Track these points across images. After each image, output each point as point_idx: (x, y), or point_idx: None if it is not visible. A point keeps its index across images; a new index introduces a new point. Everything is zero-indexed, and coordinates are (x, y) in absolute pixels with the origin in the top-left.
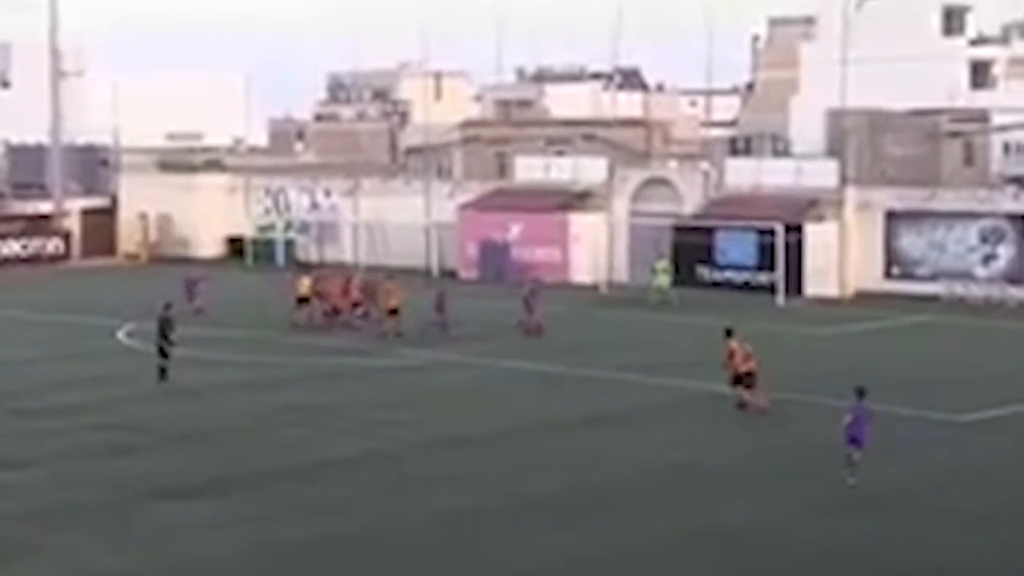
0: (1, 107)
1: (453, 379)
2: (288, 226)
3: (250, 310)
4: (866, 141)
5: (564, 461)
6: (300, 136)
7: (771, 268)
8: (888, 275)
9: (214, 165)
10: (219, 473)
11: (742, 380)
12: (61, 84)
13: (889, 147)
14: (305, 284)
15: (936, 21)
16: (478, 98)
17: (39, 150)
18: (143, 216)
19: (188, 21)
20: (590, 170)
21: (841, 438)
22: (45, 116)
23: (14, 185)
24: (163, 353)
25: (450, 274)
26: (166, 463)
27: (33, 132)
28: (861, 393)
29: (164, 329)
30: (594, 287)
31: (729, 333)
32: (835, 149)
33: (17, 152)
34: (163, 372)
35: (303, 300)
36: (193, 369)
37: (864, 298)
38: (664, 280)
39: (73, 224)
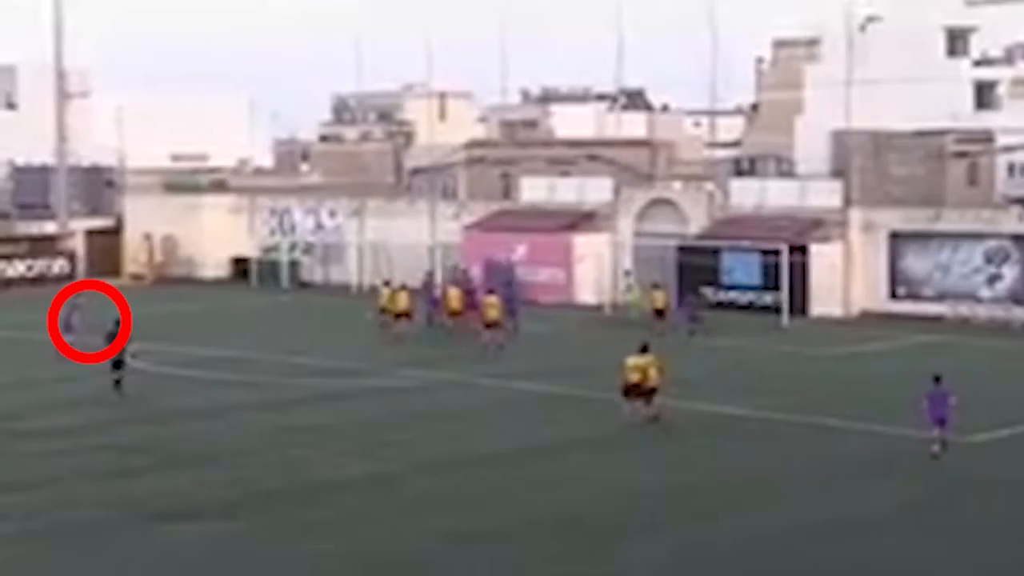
0: (7, 128)
1: (454, 400)
2: (293, 247)
3: (252, 331)
4: (870, 161)
5: (566, 482)
6: (305, 157)
7: (775, 288)
8: (893, 296)
9: (219, 186)
10: (221, 494)
11: (632, 392)
12: (66, 105)
13: (894, 168)
14: (402, 297)
15: (940, 42)
16: (483, 119)
17: (44, 171)
18: (148, 237)
19: (193, 43)
20: (595, 191)
21: (922, 423)
22: (50, 137)
23: (19, 206)
24: (119, 364)
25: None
26: (169, 484)
27: (38, 153)
28: (938, 379)
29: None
30: (598, 307)
31: (644, 349)
32: (839, 169)
33: (22, 173)
34: (118, 383)
35: (401, 315)
36: (194, 390)
37: (869, 318)
38: (636, 295)
39: (78, 245)
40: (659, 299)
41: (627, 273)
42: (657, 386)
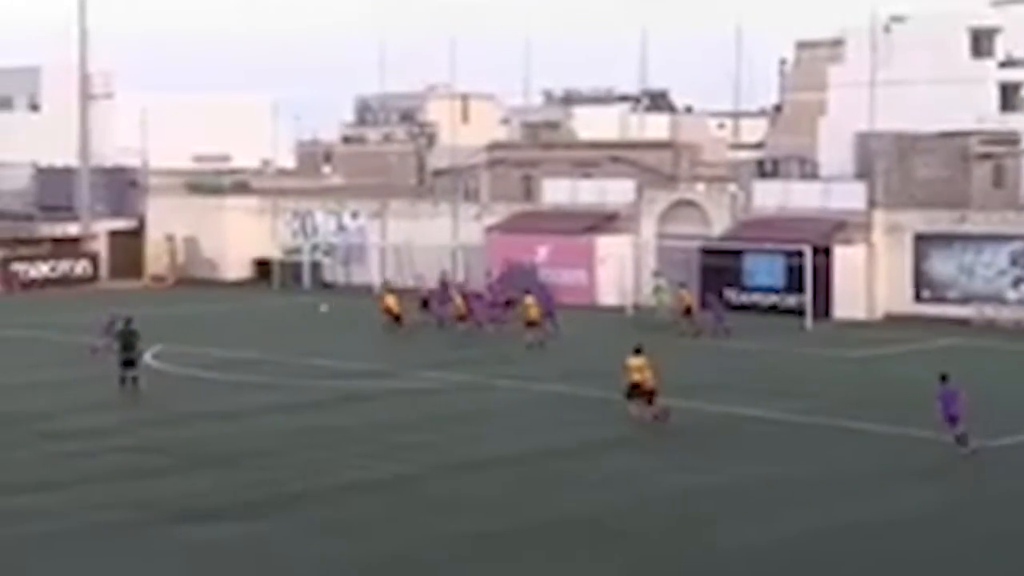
0: (31, 130)
1: (473, 401)
2: (315, 248)
3: (274, 333)
4: (895, 163)
5: (588, 484)
6: (327, 158)
7: (799, 291)
8: (918, 298)
9: (242, 187)
10: (246, 496)
11: (637, 392)
12: (90, 107)
13: (918, 169)
14: (389, 299)
15: (965, 43)
16: (505, 121)
17: (67, 172)
18: (170, 238)
19: (217, 44)
20: (617, 192)
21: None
22: (74, 138)
23: (43, 207)
24: (131, 363)
25: (476, 296)
26: (194, 485)
27: (62, 154)
28: (944, 378)
29: (131, 342)
30: (620, 309)
31: (638, 351)
32: (863, 171)
33: (46, 174)
34: (135, 380)
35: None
36: (216, 392)
37: (893, 321)
38: (664, 297)
39: (101, 246)
40: (687, 297)
41: (657, 274)
42: (655, 388)
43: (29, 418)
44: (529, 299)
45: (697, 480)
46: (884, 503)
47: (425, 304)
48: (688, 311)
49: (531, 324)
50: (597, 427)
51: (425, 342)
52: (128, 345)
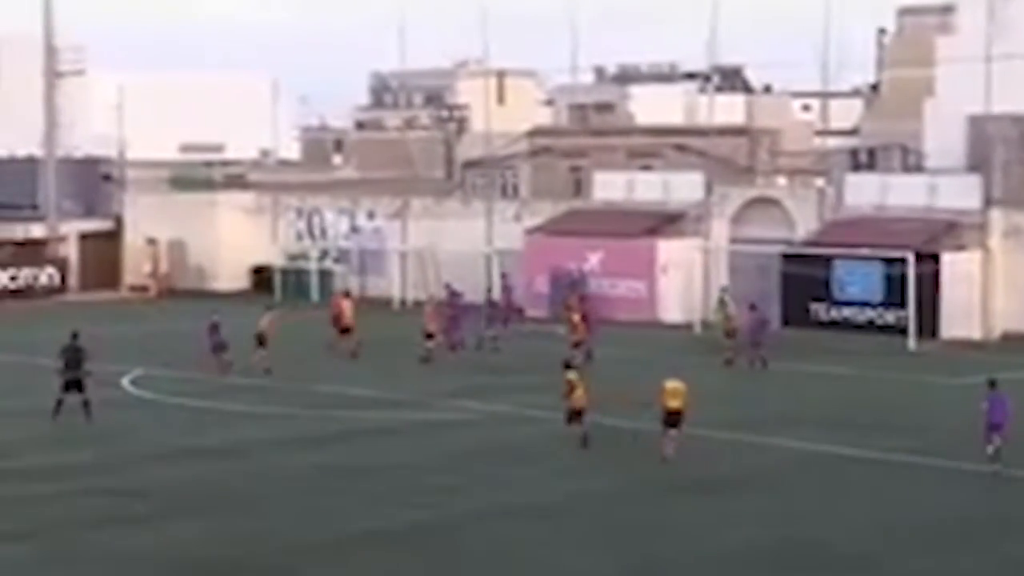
0: None
1: (510, 436)
2: (324, 254)
3: (279, 354)
4: (1016, 153)
5: (651, 535)
6: (338, 147)
7: (900, 305)
8: None
9: (236, 182)
10: (239, 549)
11: (578, 415)
12: (57, 86)
13: None
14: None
15: None
16: (549, 102)
17: (31, 163)
18: (152, 242)
19: (206, 14)
20: (683, 188)
21: (982, 434)
22: (38, 123)
23: (1, 205)
24: (76, 385)
25: (516, 310)
26: (179, 536)
27: (24, 142)
28: (993, 384)
29: (76, 359)
30: (687, 327)
31: (568, 366)
32: (978, 163)
33: (5, 166)
34: (86, 406)
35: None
36: (210, 423)
37: (1013, 341)
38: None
39: (70, 251)
40: (732, 316)
41: (724, 289)
42: (584, 407)
43: None
44: (575, 314)
45: (771, 534)
46: (1002, 557)
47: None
48: (731, 333)
49: (577, 345)
50: (655, 468)
51: (453, 365)
52: (72, 363)
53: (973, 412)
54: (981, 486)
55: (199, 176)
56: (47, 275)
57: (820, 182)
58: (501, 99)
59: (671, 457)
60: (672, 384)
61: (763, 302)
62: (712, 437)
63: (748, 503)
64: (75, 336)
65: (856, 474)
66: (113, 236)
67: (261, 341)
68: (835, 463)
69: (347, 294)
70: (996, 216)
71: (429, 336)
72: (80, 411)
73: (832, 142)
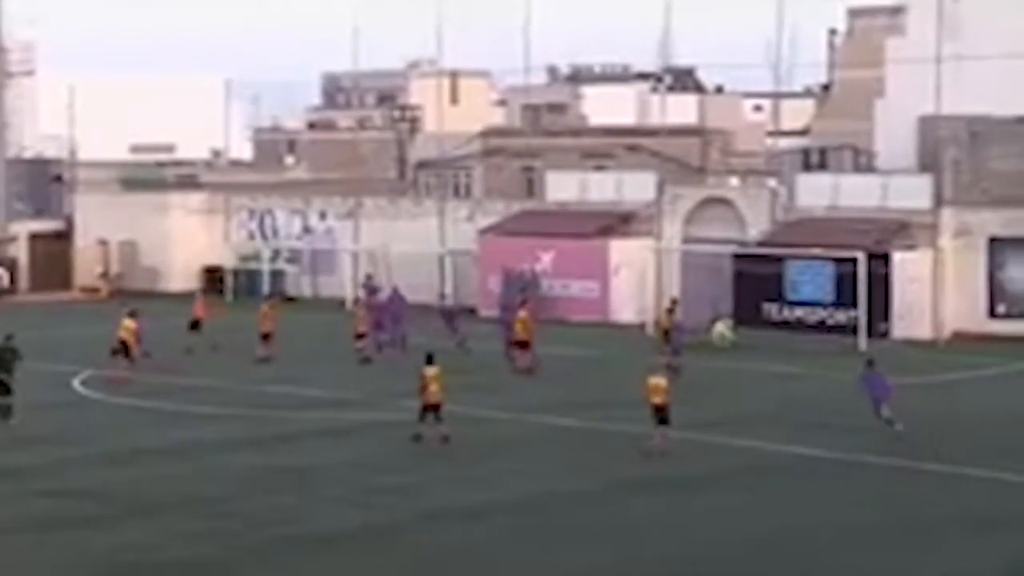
0: None
1: (466, 436)
2: (276, 254)
3: (227, 354)
4: (966, 154)
5: (607, 536)
6: (291, 148)
7: (852, 305)
8: (992, 314)
9: (188, 182)
10: (193, 551)
11: (435, 410)
12: (7, 86)
13: (994, 161)
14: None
15: None
16: (502, 102)
17: None
18: (103, 243)
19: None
20: (635, 188)
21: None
22: None
23: None
24: (5, 389)
25: (468, 311)
26: (132, 537)
27: None
28: (870, 363)
29: (6, 360)
30: (640, 328)
31: (430, 360)
32: (928, 164)
33: None
34: (7, 410)
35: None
36: (161, 424)
37: (963, 341)
38: (724, 327)
39: (20, 252)
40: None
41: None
42: (440, 402)
43: None
44: (523, 314)
45: (729, 530)
46: (958, 556)
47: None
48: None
49: (522, 345)
50: (611, 467)
51: (405, 367)
52: (3, 366)
53: (922, 412)
54: (934, 484)
55: (150, 177)
56: None
57: (772, 182)
58: (454, 99)
59: (657, 449)
60: (653, 380)
61: (715, 302)
62: (671, 437)
63: (707, 502)
64: (9, 338)
65: (811, 473)
66: (63, 237)
67: (194, 326)
68: (790, 462)
69: (270, 299)
70: (947, 216)
71: (360, 336)
72: (11, 414)
73: (784, 142)
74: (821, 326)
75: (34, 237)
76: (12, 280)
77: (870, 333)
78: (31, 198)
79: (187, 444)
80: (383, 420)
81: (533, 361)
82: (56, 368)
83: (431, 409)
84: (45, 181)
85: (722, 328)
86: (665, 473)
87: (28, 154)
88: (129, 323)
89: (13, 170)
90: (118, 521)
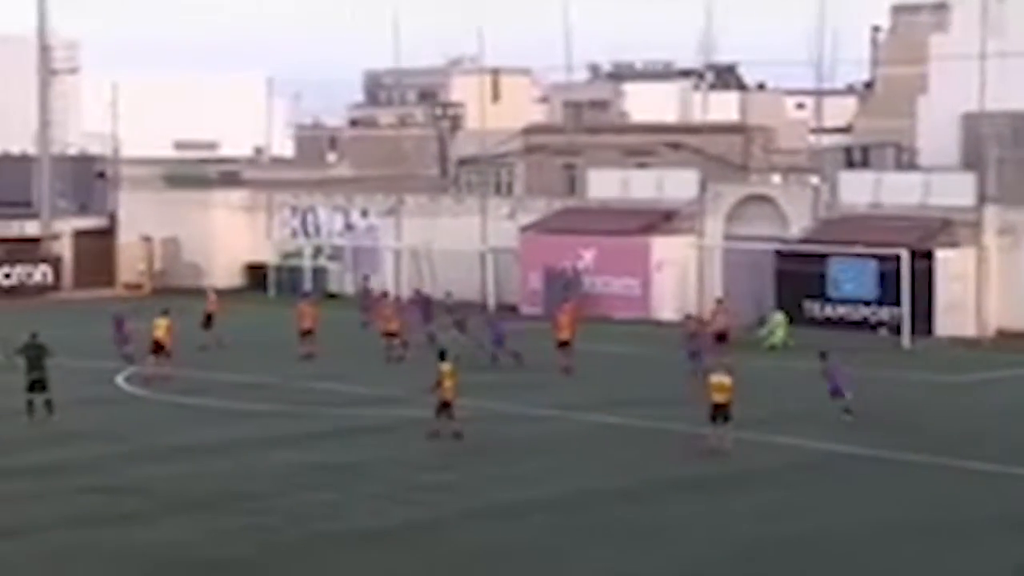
0: None
1: (507, 434)
2: (318, 252)
3: (272, 352)
4: (1010, 151)
5: (649, 535)
6: (332, 145)
7: (894, 303)
8: None
9: (231, 179)
10: (236, 547)
11: (447, 408)
12: (51, 83)
13: None
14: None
15: None
16: (544, 100)
17: (24, 161)
18: (147, 239)
19: (201, 12)
20: (677, 185)
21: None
22: (32, 121)
23: None
24: (40, 385)
25: (510, 308)
26: (175, 534)
27: (17, 140)
28: (823, 356)
29: (37, 358)
30: (681, 325)
31: (442, 356)
32: (972, 161)
33: None
34: (48, 404)
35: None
36: (204, 421)
37: (1008, 339)
38: (779, 326)
39: (64, 249)
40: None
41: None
42: (451, 400)
43: None
44: (564, 314)
45: (774, 530)
46: (1000, 556)
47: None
48: (722, 337)
49: (564, 345)
50: (655, 466)
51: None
52: (35, 362)
53: (966, 410)
54: (977, 483)
55: (193, 174)
56: (41, 273)
57: (814, 180)
58: (496, 97)
59: (724, 449)
60: (717, 379)
61: (757, 300)
62: (705, 435)
63: (748, 500)
64: (35, 335)
65: (854, 471)
66: (107, 234)
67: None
68: (833, 461)
69: (309, 296)
70: (990, 213)
71: (391, 335)
72: (41, 409)
73: (826, 140)
74: (864, 324)
75: (78, 234)
76: (56, 277)
77: (913, 331)
78: (75, 195)
79: (229, 441)
80: (425, 417)
81: (571, 361)
82: (99, 365)
83: (445, 406)
84: (89, 178)
85: (780, 330)
86: (706, 471)
87: (72, 151)
88: (162, 321)
89: (58, 167)
90: (159, 517)
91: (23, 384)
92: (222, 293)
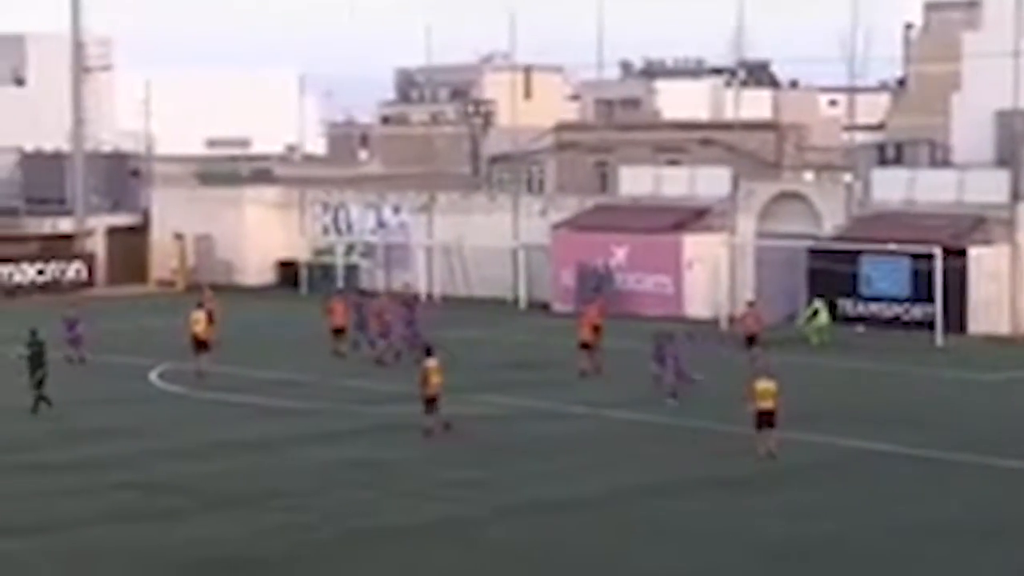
0: (14, 108)
1: (540, 431)
2: (350, 249)
3: (304, 349)
4: None
5: (682, 533)
6: (364, 142)
7: (928, 300)
8: None
9: (263, 176)
10: (273, 545)
11: (433, 403)
12: (84, 81)
13: None
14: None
15: None
16: (575, 97)
17: (58, 158)
18: (180, 236)
19: (233, 9)
20: (709, 183)
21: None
22: (65, 118)
23: (29, 200)
24: (44, 383)
25: (542, 306)
26: (208, 531)
27: (51, 137)
28: (670, 337)
29: (39, 355)
30: (713, 322)
31: (428, 352)
32: (1006, 158)
33: (32, 161)
34: (46, 400)
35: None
36: (237, 418)
37: None
38: (822, 321)
39: (98, 245)
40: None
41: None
42: (438, 395)
43: (13, 447)
44: (593, 313)
45: (807, 529)
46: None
47: None
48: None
49: (585, 346)
50: (689, 464)
51: (477, 362)
52: (39, 360)
53: (1000, 409)
54: (1014, 482)
55: (226, 171)
56: (74, 270)
57: (847, 177)
58: (527, 94)
59: (771, 452)
60: (764, 385)
61: (790, 297)
62: (743, 433)
63: (780, 499)
64: (34, 333)
65: (888, 470)
66: (140, 231)
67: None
68: (867, 459)
69: (339, 293)
70: None
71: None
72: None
73: (859, 137)
74: (897, 322)
75: (111, 231)
76: (90, 274)
77: (946, 329)
78: (108, 192)
79: (264, 437)
80: (459, 415)
81: (598, 361)
82: (133, 361)
83: (431, 402)
84: (122, 175)
85: (823, 314)
86: (738, 470)
87: (105, 149)
88: (198, 315)
89: (91, 165)
90: (196, 514)
91: (28, 383)
92: (254, 290)
